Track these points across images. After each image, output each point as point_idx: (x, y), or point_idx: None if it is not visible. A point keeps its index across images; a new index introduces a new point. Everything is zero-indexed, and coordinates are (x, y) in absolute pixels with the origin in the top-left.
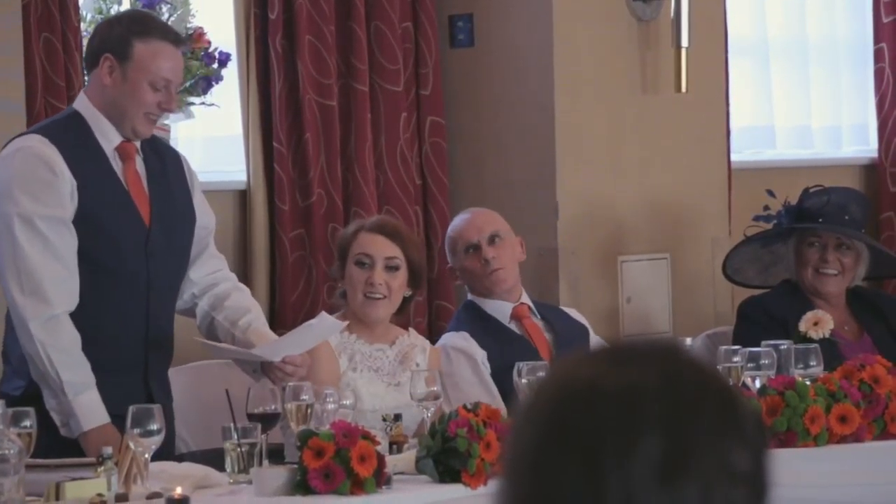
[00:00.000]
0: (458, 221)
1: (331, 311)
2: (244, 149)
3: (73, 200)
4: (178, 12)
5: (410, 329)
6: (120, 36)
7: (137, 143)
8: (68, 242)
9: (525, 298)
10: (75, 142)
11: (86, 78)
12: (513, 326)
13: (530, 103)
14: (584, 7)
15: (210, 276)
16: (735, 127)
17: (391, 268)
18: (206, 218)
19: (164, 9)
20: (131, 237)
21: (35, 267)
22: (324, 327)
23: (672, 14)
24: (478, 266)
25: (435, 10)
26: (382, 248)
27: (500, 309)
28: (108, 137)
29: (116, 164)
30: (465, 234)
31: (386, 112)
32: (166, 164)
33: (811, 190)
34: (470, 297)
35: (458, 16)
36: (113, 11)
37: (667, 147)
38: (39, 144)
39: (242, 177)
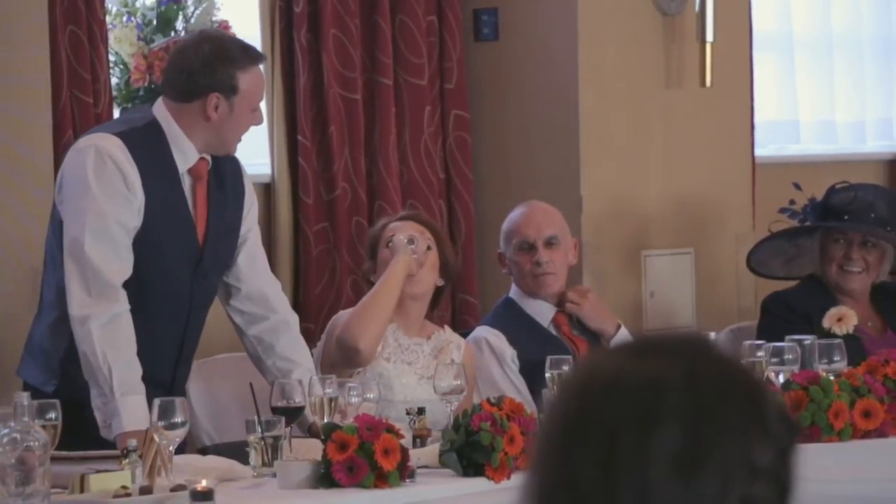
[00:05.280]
0: (517, 214)
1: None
2: (269, 142)
3: (140, 217)
4: (204, 5)
5: (446, 326)
6: (227, 74)
7: (210, 161)
8: (129, 253)
9: None
10: (152, 156)
11: (113, 75)
12: (551, 329)
13: (555, 97)
14: (609, 1)
15: (257, 304)
16: (759, 121)
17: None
18: (251, 234)
19: (190, 2)
20: (184, 259)
21: (103, 265)
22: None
23: (697, 8)
24: (528, 264)
25: (459, 4)
26: (410, 229)
27: (540, 310)
28: (185, 155)
29: (185, 183)
30: (522, 230)
31: (410, 106)
32: (225, 176)
33: (837, 186)
34: (511, 294)
35: (482, 9)
36: (138, 4)
37: (691, 141)
38: (119, 152)
39: (267, 170)
